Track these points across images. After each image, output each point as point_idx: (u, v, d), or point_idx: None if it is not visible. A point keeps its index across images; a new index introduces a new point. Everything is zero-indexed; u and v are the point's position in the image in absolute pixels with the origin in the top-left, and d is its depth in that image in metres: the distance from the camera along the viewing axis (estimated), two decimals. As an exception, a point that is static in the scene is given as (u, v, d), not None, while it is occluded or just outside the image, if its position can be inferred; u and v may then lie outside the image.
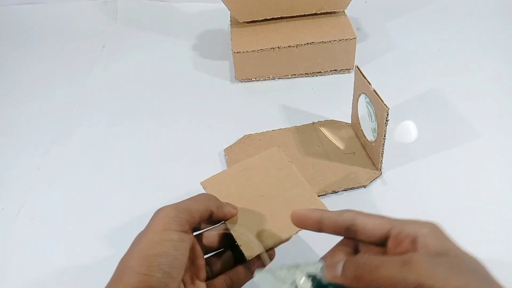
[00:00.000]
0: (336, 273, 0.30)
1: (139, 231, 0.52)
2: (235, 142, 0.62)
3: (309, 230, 0.35)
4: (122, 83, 0.76)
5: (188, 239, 0.35)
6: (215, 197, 0.40)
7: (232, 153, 0.60)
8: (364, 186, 0.55)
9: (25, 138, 0.67)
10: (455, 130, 0.61)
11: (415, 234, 0.30)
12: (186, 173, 0.59)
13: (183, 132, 0.65)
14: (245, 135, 0.63)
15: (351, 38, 0.69)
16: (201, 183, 0.45)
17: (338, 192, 0.54)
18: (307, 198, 0.43)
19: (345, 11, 0.74)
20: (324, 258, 0.35)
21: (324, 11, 0.73)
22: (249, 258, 0.38)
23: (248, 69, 0.71)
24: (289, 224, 0.39)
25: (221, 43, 0.82)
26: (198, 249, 0.39)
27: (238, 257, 0.40)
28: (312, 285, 0.32)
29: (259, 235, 0.40)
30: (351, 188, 0.55)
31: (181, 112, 0.69)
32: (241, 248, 0.38)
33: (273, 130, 0.63)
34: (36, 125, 0.69)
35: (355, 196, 0.54)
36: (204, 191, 0.45)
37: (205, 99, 0.71)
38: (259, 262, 0.39)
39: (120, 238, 0.52)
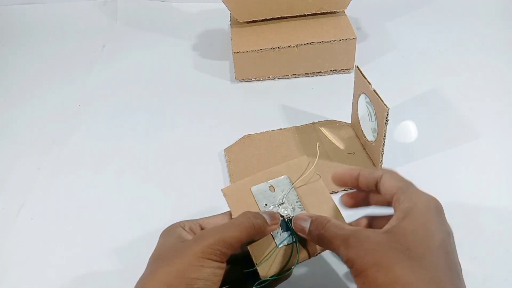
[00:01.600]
0: (304, 229, 0.37)
1: (139, 231, 0.52)
2: (235, 142, 0.62)
3: (348, 187, 0.42)
4: (122, 83, 0.76)
5: (224, 267, 0.35)
6: (258, 219, 0.37)
7: (232, 153, 0.60)
8: (364, 186, 0.55)
9: (25, 138, 0.67)
10: (455, 130, 0.61)
11: (403, 208, 0.34)
12: (186, 173, 0.59)
13: (183, 132, 0.65)
14: (245, 135, 0.63)
15: (351, 38, 0.69)
16: (222, 190, 0.42)
17: (338, 192, 0.54)
18: (333, 216, 0.40)
19: (345, 11, 0.74)
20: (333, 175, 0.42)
21: (324, 11, 0.73)
22: (264, 278, 0.37)
23: (248, 69, 0.71)
24: (309, 243, 0.38)
25: (221, 43, 0.82)
26: None
27: (245, 267, 0.39)
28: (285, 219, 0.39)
29: (276, 256, 0.38)
30: (350, 188, 0.54)
31: (181, 112, 0.69)
32: (257, 267, 0.37)
33: (273, 130, 0.63)
34: (36, 125, 0.69)
35: (355, 196, 0.54)
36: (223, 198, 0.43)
37: (205, 99, 0.71)
38: (274, 281, 0.38)
39: (120, 238, 0.52)
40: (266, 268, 0.37)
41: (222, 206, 0.55)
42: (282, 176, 0.43)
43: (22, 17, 0.94)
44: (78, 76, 0.78)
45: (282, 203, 0.41)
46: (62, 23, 0.92)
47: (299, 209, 0.41)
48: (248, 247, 0.38)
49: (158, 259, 0.36)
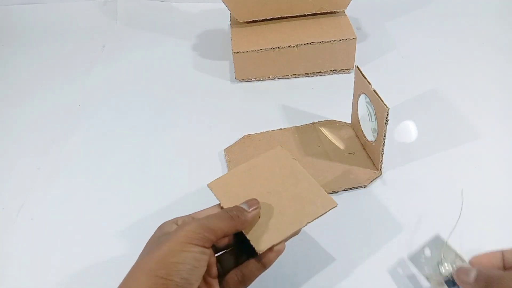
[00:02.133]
0: (468, 280, 0.37)
1: (139, 231, 0.52)
2: (235, 142, 0.62)
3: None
4: (122, 83, 0.76)
5: (208, 252, 0.36)
6: (238, 210, 0.40)
7: (232, 153, 0.60)
8: (364, 186, 0.55)
9: (25, 138, 0.67)
10: (455, 130, 0.61)
11: None
12: (186, 173, 0.59)
13: (183, 132, 0.65)
14: (245, 135, 0.63)
15: (351, 38, 0.69)
16: (208, 185, 0.45)
17: (338, 192, 0.54)
18: (313, 192, 0.44)
19: (345, 11, 0.74)
20: (473, 259, 0.40)
21: (324, 11, 0.73)
22: (260, 252, 0.39)
23: (248, 69, 0.71)
24: (296, 217, 0.41)
25: (221, 43, 0.82)
26: None
27: (248, 252, 0.41)
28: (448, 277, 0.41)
29: (268, 229, 0.40)
30: (351, 188, 0.55)
31: (181, 112, 0.69)
32: (251, 242, 0.39)
33: (273, 130, 0.63)
34: (36, 125, 0.69)
35: (355, 196, 0.54)
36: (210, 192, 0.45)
37: (205, 99, 0.71)
38: (270, 254, 0.39)
39: (120, 237, 0.52)
40: (260, 242, 0.40)
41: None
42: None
43: (22, 17, 0.94)
44: (78, 76, 0.78)
45: (441, 262, 0.44)
46: (62, 23, 0.92)
47: (460, 262, 0.44)
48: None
49: (144, 251, 0.37)
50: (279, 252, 0.40)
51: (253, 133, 0.63)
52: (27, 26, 0.92)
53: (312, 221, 0.41)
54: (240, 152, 0.60)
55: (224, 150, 0.61)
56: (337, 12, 0.74)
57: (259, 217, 0.41)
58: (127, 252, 0.51)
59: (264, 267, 0.40)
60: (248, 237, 0.40)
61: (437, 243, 0.46)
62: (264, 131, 0.63)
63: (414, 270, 0.47)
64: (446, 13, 0.84)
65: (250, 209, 0.40)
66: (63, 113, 0.70)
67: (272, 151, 0.48)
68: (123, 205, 0.56)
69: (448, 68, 0.72)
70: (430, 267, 0.44)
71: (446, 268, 0.42)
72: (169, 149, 0.63)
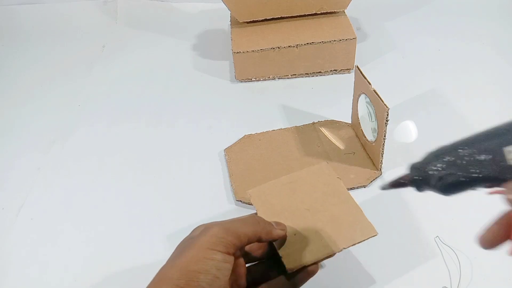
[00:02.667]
0: None
1: (139, 231, 0.52)
2: (235, 142, 0.62)
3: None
4: (122, 83, 0.76)
5: (231, 260, 0.34)
6: (264, 220, 0.39)
7: (232, 153, 0.60)
8: (364, 186, 0.55)
9: (25, 138, 0.67)
10: (455, 130, 0.61)
11: None
12: (186, 172, 0.59)
13: (183, 132, 0.65)
14: (245, 135, 0.63)
15: (351, 38, 0.69)
16: (248, 192, 0.45)
17: (353, 188, 0.54)
18: (353, 215, 0.42)
19: (345, 11, 0.74)
20: None
21: (324, 11, 0.73)
22: (290, 271, 0.38)
23: (248, 69, 0.71)
24: (333, 240, 0.39)
25: (221, 43, 0.82)
26: (240, 257, 0.38)
27: (280, 269, 0.39)
28: None
29: (302, 249, 0.39)
30: (351, 188, 0.55)
31: (181, 112, 0.69)
32: (282, 260, 0.38)
33: (273, 130, 0.63)
34: (36, 125, 0.69)
35: (355, 196, 0.54)
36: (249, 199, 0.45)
37: (205, 99, 0.71)
38: (301, 274, 0.38)
39: (119, 237, 0.52)
40: (292, 260, 0.38)
41: (222, 206, 0.55)
42: None
43: (22, 17, 0.94)
44: (78, 76, 0.78)
45: None
46: (62, 23, 0.92)
47: None
48: (274, 243, 0.39)
49: (170, 257, 0.36)
50: (312, 274, 0.38)
51: (253, 133, 0.63)
52: (27, 26, 0.92)
53: (348, 247, 0.40)
54: (240, 152, 0.60)
55: (224, 150, 0.61)
56: (337, 12, 0.74)
57: (294, 234, 0.40)
58: (127, 252, 0.51)
59: (294, 286, 0.38)
60: (280, 253, 0.39)
61: None
62: (264, 131, 0.63)
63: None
64: (446, 13, 0.84)
65: (277, 227, 0.39)
66: (63, 113, 0.70)
67: (317, 166, 0.47)
68: (123, 205, 0.56)
69: (448, 68, 0.72)
70: None
71: None
72: (169, 149, 0.63)
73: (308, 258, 0.38)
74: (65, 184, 0.59)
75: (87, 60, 0.81)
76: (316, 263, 0.39)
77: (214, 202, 0.55)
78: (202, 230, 0.35)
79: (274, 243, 0.39)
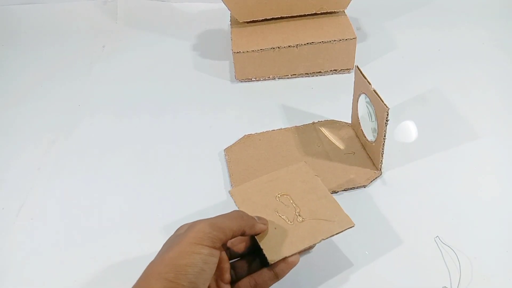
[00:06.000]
0: None
1: (139, 231, 0.52)
2: (235, 142, 0.62)
3: None
4: (122, 83, 0.76)
5: (217, 254, 0.36)
6: (247, 215, 0.41)
7: (232, 153, 0.60)
8: (364, 186, 0.55)
9: (25, 138, 0.67)
10: (455, 130, 0.61)
11: None
12: (186, 172, 0.59)
13: (183, 132, 0.65)
14: (245, 135, 0.63)
15: (351, 38, 0.69)
16: (230, 192, 0.47)
17: (338, 192, 0.54)
18: (331, 209, 0.44)
19: (345, 11, 0.74)
20: None
21: (324, 11, 0.73)
22: (272, 262, 0.39)
23: (248, 69, 0.71)
24: (312, 233, 0.42)
25: (221, 43, 0.82)
26: (223, 252, 0.40)
27: (263, 261, 0.42)
28: None
29: (282, 241, 0.41)
30: (351, 188, 0.55)
31: (181, 112, 0.69)
32: (264, 252, 0.40)
33: (273, 130, 0.63)
34: (36, 125, 0.69)
35: (355, 196, 0.54)
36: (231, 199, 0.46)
37: (205, 99, 0.71)
38: (283, 265, 0.40)
39: (120, 237, 0.52)
40: (273, 252, 0.40)
41: (221, 206, 0.55)
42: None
43: (22, 17, 0.94)
44: (78, 76, 0.78)
45: None
46: (62, 23, 0.92)
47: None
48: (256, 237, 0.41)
49: (157, 254, 0.37)
50: (293, 264, 0.40)
51: (253, 133, 0.63)
52: (27, 26, 0.92)
53: (327, 238, 0.42)
54: (240, 152, 0.60)
55: (224, 150, 0.61)
56: (337, 12, 0.74)
57: (275, 228, 0.42)
58: (127, 252, 0.51)
59: (277, 277, 0.40)
60: (261, 245, 0.40)
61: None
62: (264, 131, 0.63)
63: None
64: (446, 13, 0.84)
65: (260, 221, 0.42)
66: (63, 113, 0.70)
67: (296, 166, 0.49)
68: (123, 205, 0.56)
69: (448, 68, 0.72)
70: None
71: None
72: (169, 149, 0.63)
73: (288, 249, 0.40)
74: (65, 184, 0.59)
75: (87, 60, 0.81)
76: (296, 254, 0.40)
77: (214, 202, 0.55)
78: (189, 226, 0.37)
79: (256, 237, 0.41)
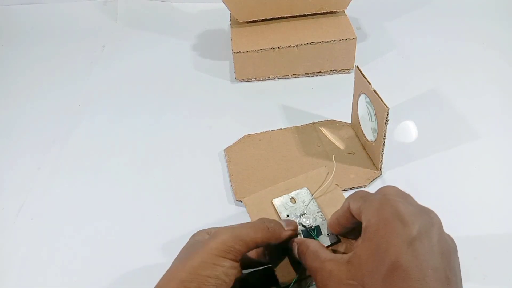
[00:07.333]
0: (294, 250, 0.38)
1: (139, 231, 0.52)
2: (235, 142, 0.62)
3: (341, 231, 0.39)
4: (122, 83, 0.76)
5: (238, 266, 0.36)
6: (274, 223, 0.38)
7: (232, 153, 0.60)
8: (364, 186, 0.55)
9: (25, 138, 0.67)
10: (455, 130, 0.61)
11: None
12: (186, 173, 0.59)
13: (183, 132, 0.65)
14: (245, 135, 0.63)
15: (351, 38, 0.69)
16: (242, 201, 0.45)
17: (347, 190, 0.54)
18: None
19: (345, 11, 0.74)
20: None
21: (324, 11, 0.73)
22: (283, 286, 0.38)
23: (248, 69, 0.71)
24: None
25: (221, 43, 0.82)
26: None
27: (272, 277, 0.40)
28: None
29: (295, 262, 0.39)
30: (351, 188, 0.55)
31: (181, 112, 0.69)
32: (276, 273, 0.38)
33: (273, 130, 0.63)
34: (36, 125, 0.69)
35: (355, 196, 0.54)
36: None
37: (205, 99, 0.71)
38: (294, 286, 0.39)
39: (120, 238, 0.52)
40: (285, 274, 0.38)
41: (221, 206, 0.55)
42: (303, 188, 0.44)
43: (22, 17, 0.94)
44: (78, 76, 0.78)
45: (304, 214, 0.43)
46: (62, 23, 0.92)
47: (320, 219, 0.42)
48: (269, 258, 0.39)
49: (176, 259, 0.37)
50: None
51: (253, 133, 0.63)
52: (27, 26, 0.92)
53: None
54: (240, 152, 0.60)
55: (224, 150, 0.61)
56: (337, 12, 0.74)
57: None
58: (127, 253, 0.51)
59: None
60: (273, 267, 0.39)
61: (305, 195, 0.44)
62: (264, 131, 0.63)
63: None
64: (446, 13, 0.84)
65: (287, 228, 0.39)
66: (63, 113, 0.70)
67: (316, 171, 0.46)
68: (123, 204, 0.56)
69: (448, 68, 0.72)
70: (291, 214, 0.43)
71: (308, 221, 0.42)
72: (169, 149, 0.63)
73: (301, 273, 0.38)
74: (65, 184, 0.59)
75: (87, 60, 0.81)
76: (310, 276, 0.38)
77: (214, 202, 0.55)
78: (212, 236, 0.36)
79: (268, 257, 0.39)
